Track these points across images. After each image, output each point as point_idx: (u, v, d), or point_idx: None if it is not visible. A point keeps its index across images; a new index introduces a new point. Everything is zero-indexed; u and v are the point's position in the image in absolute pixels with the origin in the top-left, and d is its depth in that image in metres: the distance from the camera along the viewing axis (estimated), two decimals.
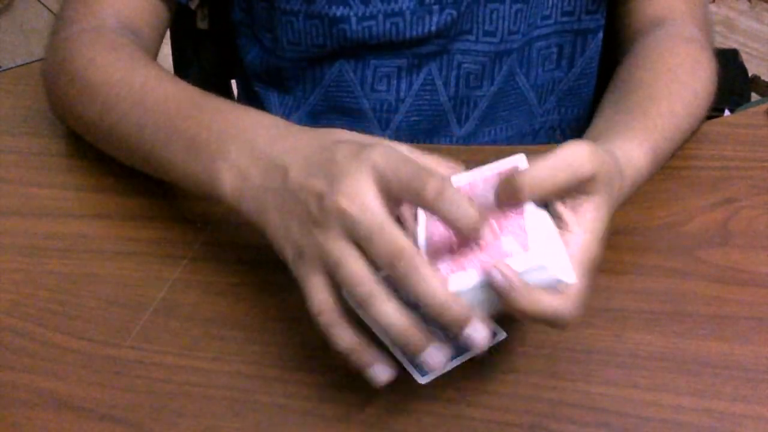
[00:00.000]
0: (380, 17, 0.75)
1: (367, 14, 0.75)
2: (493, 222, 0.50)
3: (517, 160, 0.53)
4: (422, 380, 0.52)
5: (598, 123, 0.67)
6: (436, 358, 0.48)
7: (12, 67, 0.91)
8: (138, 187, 0.70)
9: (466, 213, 0.47)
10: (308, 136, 0.55)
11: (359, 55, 0.79)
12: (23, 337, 0.58)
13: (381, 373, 0.49)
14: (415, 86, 0.80)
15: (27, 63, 0.88)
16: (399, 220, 0.51)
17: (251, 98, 0.88)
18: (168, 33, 0.97)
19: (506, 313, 0.49)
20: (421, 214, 0.52)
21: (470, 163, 0.73)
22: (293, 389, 0.54)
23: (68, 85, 0.70)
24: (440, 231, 0.51)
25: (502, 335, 0.52)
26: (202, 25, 0.92)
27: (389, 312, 0.47)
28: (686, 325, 0.57)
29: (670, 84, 0.69)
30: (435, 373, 0.51)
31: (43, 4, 2.19)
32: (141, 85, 0.65)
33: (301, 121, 0.84)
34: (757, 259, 0.63)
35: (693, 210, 0.67)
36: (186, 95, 0.64)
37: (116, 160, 0.69)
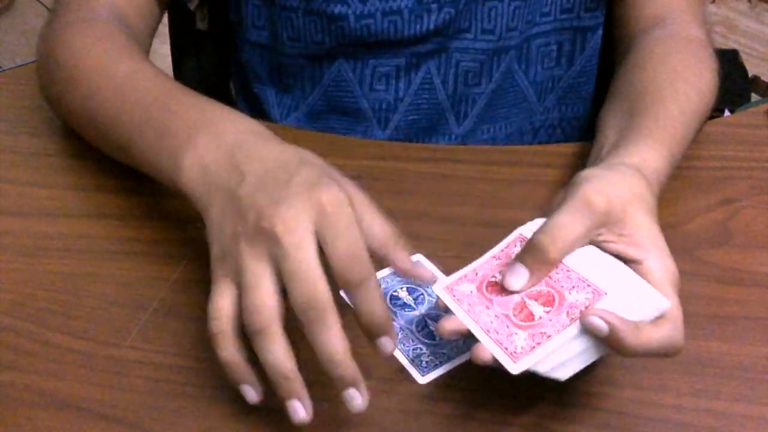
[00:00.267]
0: (378, 15, 0.75)
1: (365, 12, 0.75)
2: (547, 288, 0.50)
3: (527, 228, 0.54)
4: (422, 380, 0.53)
5: (609, 130, 0.66)
6: (298, 413, 0.48)
7: (12, 67, 0.91)
8: (138, 187, 0.70)
9: (379, 309, 0.48)
10: (277, 151, 0.54)
11: (358, 55, 0.79)
12: (23, 337, 0.58)
13: (249, 393, 0.50)
14: (414, 85, 0.80)
15: (27, 63, 0.88)
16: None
17: (250, 99, 0.88)
18: (168, 33, 0.97)
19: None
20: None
21: (469, 163, 0.73)
22: None
23: (55, 71, 0.71)
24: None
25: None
26: (201, 25, 0.93)
27: (276, 351, 0.47)
28: (686, 325, 0.57)
29: (676, 85, 0.68)
30: (435, 373, 0.53)
31: (43, 4, 2.19)
32: (124, 76, 0.66)
33: (300, 122, 0.84)
34: (757, 259, 0.63)
35: (693, 210, 0.67)
36: (165, 88, 0.64)
37: (106, 155, 0.69)
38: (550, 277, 0.51)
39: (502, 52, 0.80)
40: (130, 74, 0.66)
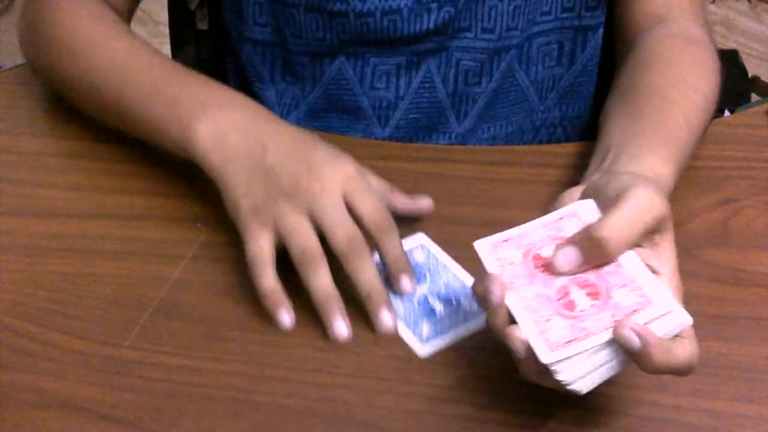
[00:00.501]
0: (378, 14, 0.75)
1: (365, 10, 0.75)
2: (596, 280, 0.48)
3: (582, 206, 0.52)
4: (422, 353, 0.56)
5: (614, 133, 0.65)
6: (343, 331, 0.56)
7: (12, 67, 0.91)
8: (138, 187, 0.70)
9: (403, 255, 0.59)
10: (289, 129, 0.63)
11: (358, 53, 0.79)
12: (23, 337, 0.58)
13: (285, 318, 0.57)
14: (414, 84, 0.80)
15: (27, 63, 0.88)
16: None
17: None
18: (168, 33, 0.97)
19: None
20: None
21: (469, 163, 0.73)
22: (293, 389, 0.54)
23: (48, 45, 0.75)
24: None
25: None
26: (201, 25, 0.93)
27: (324, 276, 0.57)
28: None
29: (681, 89, 0.68)
30: (434, 346, 0.56)
31: None
32: (125, 52, 0.70)
33: (299, 120, 0.84)
34: (757, 259, 0.63)
35: (693, 210, 0.67)
36: (169, 64, 0.70)
37: (101, 124, 0.73)
38: (600, 267, 0.49)
39: (502, 52, 0.80)
40: (130, 51, 0.70)
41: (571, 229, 0.51)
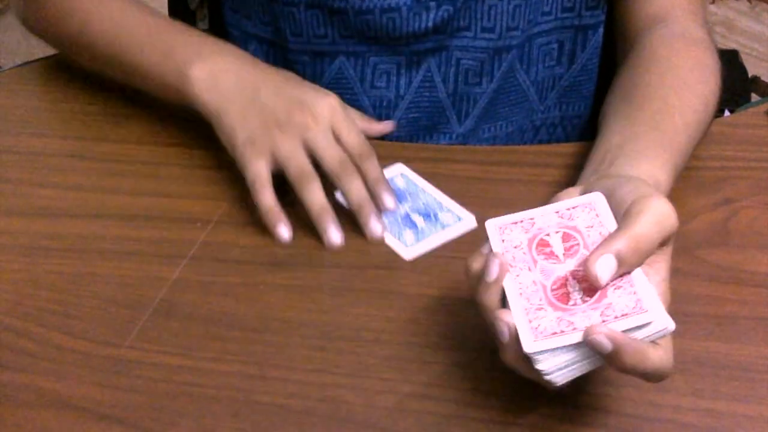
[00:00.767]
0: (377, 12, 0.75)
1: (364, 8, 0.75)
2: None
3: (596, 199, 0.52)
4: (408, 256, 0.63)
5: (612, 134, 0.65)
6: (336, 236, 0.64)
7: (12, 67, 0.91)
8: (138, 187, 0.70)
9: (383, 176, 0.66)
10: (275, 70, 0.72)
11: (359, 52, 0.79)
12: (23, 337, 0.58)
13: (284, 232, 0.64)
14: (415, 83, 0.80)
15: (27, 63, 0.88)
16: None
17: None
18: None
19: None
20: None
21: (470, 163, 0.73)
22: (293, 389, 0.54)
23: (44, 8, 0.79)
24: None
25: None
26: (201, 25, 0.93)
27: (317, 191, 0.64)
28: (686, 325, 0.57)
29: (681, 92, 0.68)
30: (417, 250, 0.63)
31: None
32: (119, 7, 0.76)
33: None
34: (757, 259, 0.63)
35: (693, 210, 0.67)
36: (162, 18, 0.76)
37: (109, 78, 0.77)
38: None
39: (503, 52, 0.80)
40: (124, 7, 0.76)
41: (584, 220, 0.51)
